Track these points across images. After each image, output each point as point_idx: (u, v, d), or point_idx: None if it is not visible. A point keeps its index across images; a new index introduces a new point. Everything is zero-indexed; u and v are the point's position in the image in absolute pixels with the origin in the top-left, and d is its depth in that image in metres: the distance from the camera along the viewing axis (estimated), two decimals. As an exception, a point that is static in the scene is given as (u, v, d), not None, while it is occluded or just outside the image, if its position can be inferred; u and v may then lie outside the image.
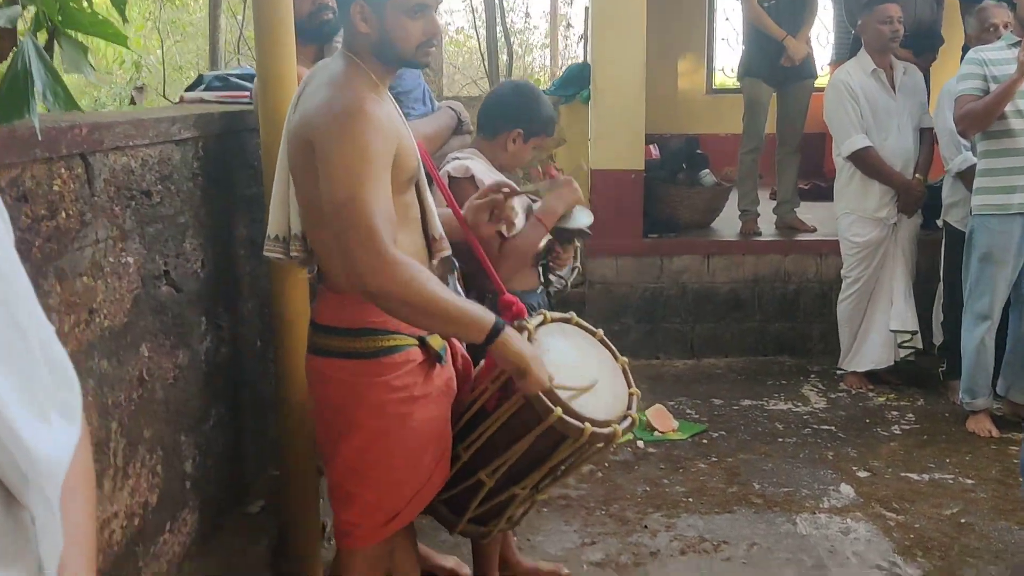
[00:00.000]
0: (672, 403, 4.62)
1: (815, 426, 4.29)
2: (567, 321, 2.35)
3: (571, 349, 2.26)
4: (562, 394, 2.09)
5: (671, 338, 5.39)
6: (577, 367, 2.22)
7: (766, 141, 5.59)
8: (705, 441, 4.14)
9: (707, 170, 5.61)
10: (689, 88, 8.41)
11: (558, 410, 2.06)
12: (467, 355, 2.28)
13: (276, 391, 2.61)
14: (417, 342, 2.04)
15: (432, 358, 2.06)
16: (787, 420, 4.38)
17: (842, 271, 4.77)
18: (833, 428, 4.26)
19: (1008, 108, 3.88)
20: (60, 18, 1.95)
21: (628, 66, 5.11)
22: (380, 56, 1.98)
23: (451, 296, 1.90)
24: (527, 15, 10.56)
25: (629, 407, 2.26)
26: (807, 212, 5.71)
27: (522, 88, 2.85)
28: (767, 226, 5.64)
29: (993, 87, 3.88)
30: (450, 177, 2.60)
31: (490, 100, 2.78)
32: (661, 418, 4.32)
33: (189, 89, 3.32)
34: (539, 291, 2.81)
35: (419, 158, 2.12)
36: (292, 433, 2.57)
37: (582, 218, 2.76)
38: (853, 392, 4.72)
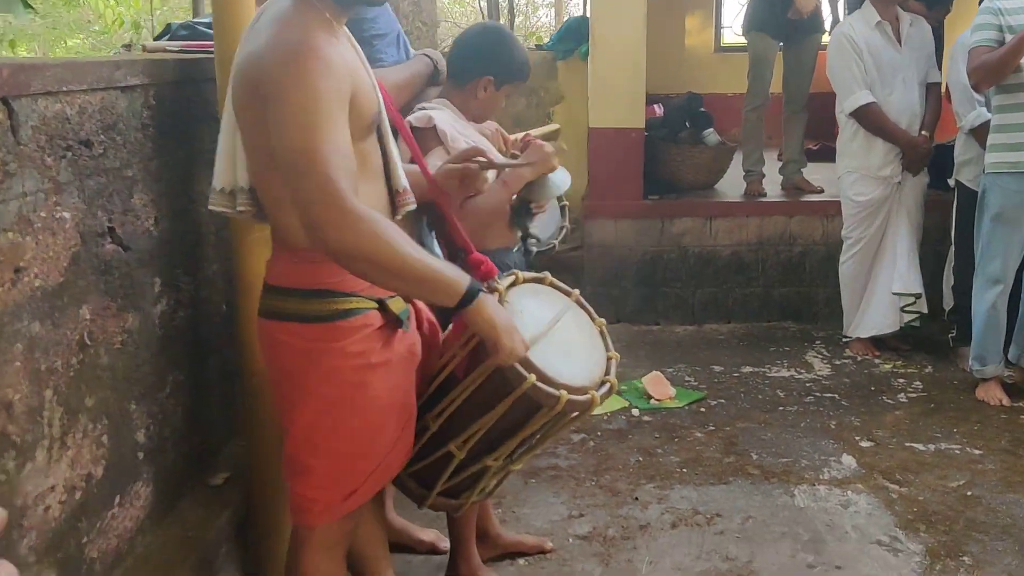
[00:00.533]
0: (671, 370, 4.47)
1: (818, 394, 4.13)
2: (540, 281, 2.19)
3: (545, 310, 2.10)
4: (534, 357, 1.94)
5: (672, 303, 5.22)
6: (552, 330, 2.06)
7: (772, 99, 5.39)
8: (703, 409, 3.99)
9: (711, 129, 5.42)
10: (696, 46, 8.18)
11: (532, 377, 1.92)
12: (434, 319, 2.13)
13: (239, 357, 2.47)
14: (376, 305, 1.89)
15: (392, 323, 1.91)
16: (789, 388, 4.22)
17: (843, 231, 4.59)
18: (836, 396, 4.10)
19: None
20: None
21: (628, 20, 4.91)
22: None
23: (421, 255, 1.74)
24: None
25: (607, 372, 2.11)
26: (815, 173, 5.50)
27: (491, 30, 2.67)
28: (773, 187, 5.45)
29: (1009, 38, 3.67)
30: (412, 127, 2.43)
31: (458, 44, 2.60)
32: (658, 385, 4.17)
33: (158, 39, 3.14)
34: (516, 249, 2.65)
35: (381, 104, 1.96)
36: (256, 401, 2.43)
37: (557, 183, 2.59)
38: (858, 359, 4.56)
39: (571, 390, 1.97)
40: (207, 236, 2.59)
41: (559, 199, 3.36)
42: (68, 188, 1.91)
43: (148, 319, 2.27)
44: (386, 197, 1.97)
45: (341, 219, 1.63)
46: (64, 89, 1.87)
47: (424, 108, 2.51)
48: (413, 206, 2.02)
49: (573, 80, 5.26)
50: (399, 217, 2.03)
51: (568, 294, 2.21)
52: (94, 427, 2.02)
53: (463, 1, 11.37)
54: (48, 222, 1.83)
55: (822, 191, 5.28)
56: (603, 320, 2.20)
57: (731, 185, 5.50)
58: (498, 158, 2.54)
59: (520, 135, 2.73)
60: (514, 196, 2.58)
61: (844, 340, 4.71)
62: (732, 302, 5.20)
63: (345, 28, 1.93)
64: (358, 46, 1.95)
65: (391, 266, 1.68)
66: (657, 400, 4.08)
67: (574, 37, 5.22)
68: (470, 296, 1.76)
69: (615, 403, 4.07)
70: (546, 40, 6.22)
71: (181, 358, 2.45)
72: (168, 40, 2.98)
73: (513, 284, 2.11)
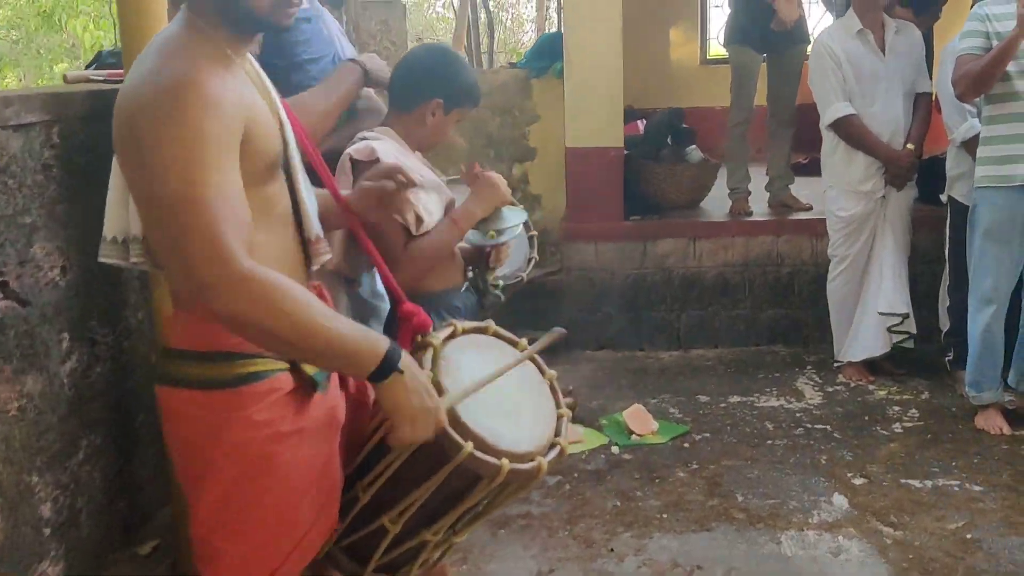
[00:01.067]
0: (655, 400, 4.25)
1: (808, 425, 3.91)
2: (483, 331, 1.97)
3: (487, 365, 1.88)
4: (472, 421, 1.73)
5: (656, 328, 5.01)
6: (494, 389, 1.84)
7: (757, 113, 5.19)
8: (687, 445, 3.77)
9: (693, 146, 5.22)
10: (682, 59, 7.99)
11: (468, 445, 1.69)
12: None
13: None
14: (286, 366, 1.67)
15: (306, 386, 1.69)
16: (778, 419, 4.00)
17: (828, 249, 4.38)
18: (828, 427, 3.88)
19: (1012, 68, 3.47)
20: None
21: (603, 34, 4.71)
22: (226, 16, 1.60)
23: (329, 320, 1.51)
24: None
25: (558, 432, 1.89)
26: (804, 188, 5.29)
27: (437, 51, 2.46)
28: (760, 204, 5.24)
29: (996, 45, 3.46)
30: (352, 160, 2.22)
31: (402, 68, 2.39)
32: (639, 419, 3.95)
33: (88, 67, 2.94)
34: (463, 288, 2.44)
35: (290, 141, 1.75)
36: (182, 464, 2.21)
37: (510, 219, 2.39)
38: (852, 385, 4.34)
39: (514, 457, 1.75)
40: (129, 282, 2.37)
41: (527, 227, 3.16)
42: (-62, 242, 1.70)
43: (54, 380, 2.06)
44: (297, 247, 1.75)
45: (229, 281, 1.42)
46: (-69, 132, 1.67)
47: (366, 138, 2.30)
48: (329, 255, 1.81)
49: (548, 99, 5.06)
50: (315, 268, 1.82)
51: (515, 344, 1.99)
52: (-19, 507, 1.80)
53: (445, 18, 11.19)
54: (-87, 282, 1.62)
55: (810, 208, 5.07)
56: (553, 373, 1.99)
57: (716, 204, 5.29)
58: (427, 178, 2.33)
59: (474, 168, 2.52)
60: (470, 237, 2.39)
61: (836, 365, 4.49)
62: (719, 326, 4.98)
63: (249, 57, 1.73)
64: (263, 76, 1.74)
65: (289, 335, 1.46)
66: (639, 436, 3.86)
67: (548, 54, 5.03)
68: (384, 371, 1.54)
69: (594, 440, 3.85)
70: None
71: (99, 419, 2.23)
72: (95, 68, 2.77)
73: (451, 336, 1.89)
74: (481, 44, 6.80)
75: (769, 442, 3.75)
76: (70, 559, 2.10)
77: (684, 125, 5.29)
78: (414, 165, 2.29)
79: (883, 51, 4.15)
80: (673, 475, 3.49)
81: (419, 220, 2.23)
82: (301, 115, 2.20)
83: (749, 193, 5.16)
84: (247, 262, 1.44)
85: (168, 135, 1.44)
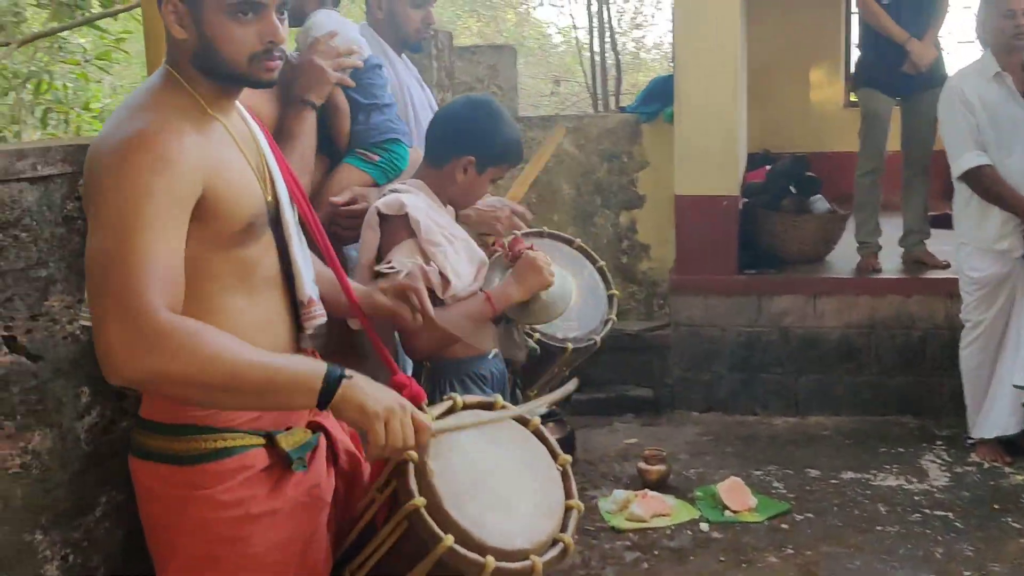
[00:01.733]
0: (759, 472, 3.92)
1: (927, 510, 3.49)
2: (489, 406, 1.78)
3: (486, 447, 1.70)
4: (455, 509, 1.55)
5: (770, 391, 4.65)
6: (489, 474, 1.66)
7: (890, 160, 4.78)
8: (785, 525, 3.43)
9: (819, 195, 4.85)
10: (823, 101, 7.55)
11: (448, 538, 1.52)
12: (353, 450, 1.76)
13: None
14: (262, 441, 1.55)
15: (282, 463, 1.56)
16: (894, 501, 3.59)
17: (961, 313, 3.94)
18: (950, 515, 3.44)
19: None
20: None
21: (717, 76, 4.47)
22: (205, 71, 1.52)
23: (258, 353, 1.40)
24: (636, 23, 9.81)
25: (564, 527, 1.67)
26: (941, 244, 4.82)
27: (476, 104, 2.31)
28: (892, 261, 4.80)
29: None
30: (380, 213, 2.10)
31: (437, 120, 2.26)
32: (735, 494, 3.63)
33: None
34: (491, 355, 2.26)
35: (279, 198, 1.65)
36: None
37: (552, 307, 2.22)
38: (985, 466, 3.86)
39: (502, 555, 1.56)
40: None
41: (607, 286, 2.96)
42: (-68, 297, 1.68)
43: (67, 436, 2.01)
44: (285, 311, 1.64)
45: (141, 337, 1.33)
46: (-74, 187, 1.66)
47: (396, 191, 2.18)
48: (321, 320, 1.69)
49: (659, 144, 4.85)
50: (309, 332, 1.70)
51: (525, 423, 1.80)
52: (-33, 567, 1.76)
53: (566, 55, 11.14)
54: None
55: (947, 266, 4.59)
56: (568, 457, 1.78)
57: (844, 258, 4.90)
58: (458, 236, 2.17)
59: (510, 238, 2.35)
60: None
61: (969, 442, 4.01)
62: (841, 392, 4.57)
63: (240, 113, 1.64)
64: (256, 134, 1.65)
65: (222, 379, 1.35)
66: (733, 512, 3.54)
67: (659, 98, 4.82)
68: (329, 389, 1.40)
69: (683, 513, 3.57)
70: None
71: (121, 475, 2.18)
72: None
73: (449, 411, 1.72)
74: (608, 85, 6.63)
75: (879, 528, 3.36)
76: (79, 620, 2.04)
77: (809, 173, 4.93)
78: (444, 221, 2.15)
79: (1023, 96, 3.72)
80: (764, 559, 3.17)
81: (446, 282, 2.08)
82: (332, 185, 2.12)
83: (879, 248, 4.75)
84: (164, 315, 1.34)
85: (112, 191, 1.39)
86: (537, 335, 2.65)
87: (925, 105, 4.58)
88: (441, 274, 2.08)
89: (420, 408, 1.67)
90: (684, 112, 4.55)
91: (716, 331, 4.67)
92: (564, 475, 1.74)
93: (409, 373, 2.35)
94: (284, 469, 1.58)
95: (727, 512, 3.54)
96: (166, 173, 1.39)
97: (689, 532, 3.41)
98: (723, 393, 4.68)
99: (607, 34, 6.86)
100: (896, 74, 4.50)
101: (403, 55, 2.83)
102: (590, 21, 6.96)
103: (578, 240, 2.94)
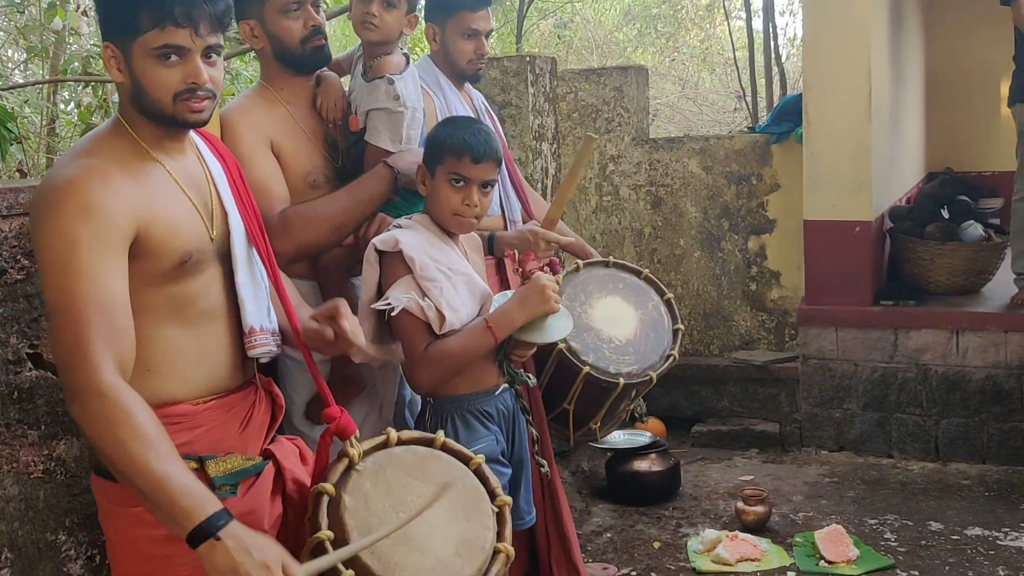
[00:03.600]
0: (873, 522, 3.62)
1: (1055, 581, 3.09)
2: (428, 443, 1.75)
3: (409, 483, 1.65)
4: (373, 558, 1.54)
5: (908, 433, 4.28)
6: (409, 511, 1.62)
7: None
8: (884, 582, 3.15)
9: (971, 221, 4.43)
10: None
11: (348, 573, 1.51)
12: (304, 478, 1.79)
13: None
14: (194, 465, 1.62)
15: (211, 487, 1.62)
16: (1018, 566, 3.20)
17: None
18: (1081, 588, 3.03)
19: None
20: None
21: (848, 94, 4.20)
22: (142, 112, 1.63)
23: (161, 460, 1.43)
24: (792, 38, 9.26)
25: (487, 572, 1.61)
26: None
27: (443, 122, 2.28)
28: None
29: None
30: (377, 250, 2.12)
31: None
32: (834, 543, 3.37)
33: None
34: (498, 391, 2.21)
35: (231, 231, 1.71)
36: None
37: (553, 331, 2.14)
38: None
39: None
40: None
41: (673, 320, 2.85)
42: (-45, 318, 1.88)
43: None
44: (229, 341, 1.71)
45: (85, 392, 1.44)
46: (-48, 219, 1.86)
47: (394, 228, 2.19)
48: (266, 348, 1.74)
49: (791, 166, 4.57)
50: (261, 360, 1.75)
51: (467, 461, 1.75)
52: (-14, 561, 1.94)
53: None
54: (-85, 353, 1.81)
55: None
56: (507, 499, 1.71)
57: (1002, 291, 4.43)
58: (456, 269, 2.14)
59: (531, 266, 2.30)
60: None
61: None
62: (987, 438, 4.14)
63: (193, 152, 1.73)
64: (210, 170, 1.73)
65: (118, 464, 1.44)
66: (828, 563, 3.29)
67: (791, 118, 4.56)
68: (198, 536, 1.42)
69: (775, 559, 3.36)
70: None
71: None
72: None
73: (383, 445, 1.71)
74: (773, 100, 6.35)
75: (991, 596, 3.02)
76: (104, 616, 2.20)
77: (962, 196, 4.51)
78: (443, 257, 2.13)
79: None
80: (846, 619, 2.92)
81: (441, 318, 2.07)
82: (307, 222, 2.17)
83: (1039, 280, 4.27)
84: (107, 377, 1.44)
85: (45, 240, 1.51)
86: (588, 368, 2.59)
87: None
88: (437, 309, 2.07)
89: (349, 442, 1.67)
90: (813, 133, 4.30)
91: (848, 366, 4.35)
92: (499, 517, 1.69)
93: (418, 408, 2.37)
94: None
95: (822, 563, 3.29)
96: (92, 221, 1.48)
97: (776, 579, 3.20)
98: (855, 432, 4.36)
99: (772, 49, 6.58)
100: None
101: (465, 85, 2.86)
102: (749, 36, 6.70)
103: (646, 271, 2.84)
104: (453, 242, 2.19)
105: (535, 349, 2.26)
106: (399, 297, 2.06)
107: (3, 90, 3.33)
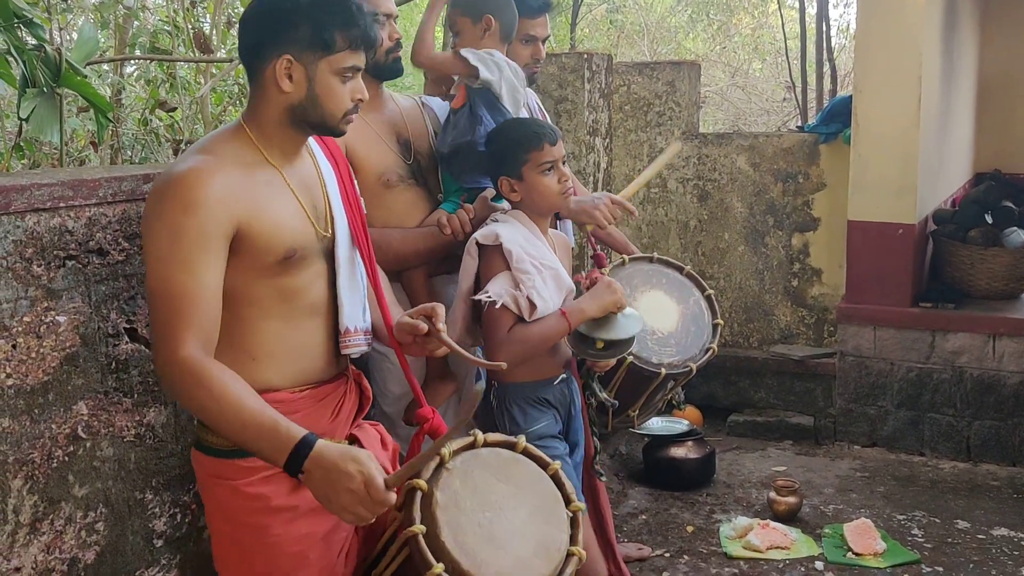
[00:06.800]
0: (902, 517, 3.75)
1: (1076, 583, 3.20)
2: (512, 447, 1.84)
3: (495, 484, 1.76)
4: (451, 539, 1.66)
5: (940, 433, 4.38)
6: (494, 510, 1.73)
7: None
8: (907, 576, 3.28)
9: (1015, 228, 4.49)
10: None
11: (439, 567, 1.63)
12: (387, 464, 1.91)
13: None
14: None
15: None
16: (1040, 567, 3.32)
17: None
18: (1100, 592, 3.14)
19: None
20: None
21: (897, 97, 4.27)
22: (297, 122, 1.76)
23: (250, 406, 1.61)
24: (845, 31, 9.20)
25: (561, 572, 1.72)
26: None
27: (498, 129, 2.43)
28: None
29: None
30: (478, 244, 2.28)
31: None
32: (862, 536, 3.51)
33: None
34: (557, 381, 2.37)
35: (336, 233, 1.86)
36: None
37: (623, 328, 2.30)
38: None
39: None
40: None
41: (713, 315, 2.99)
42: (66, 294, 2.07)
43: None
44: (327, 338, 1.87)
45: (168, 364, 1.62)
46: (63, 205, 2.04)
47: (495, 221, 2.36)
48: (358, 349, 1.89)
49: (838, 166, 4.66)
50: (350, 354, 1.91)
51: (545, 467, 1.86)
52: (84, 515, 2.15)
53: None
54: (32, 326, 2.00)
55: None
56: (581, 504, 1.82)
57: (1043, 296, 4.51)
58: (547, 263, 2.29)
59: (594, 274, 2.44)
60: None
61: None
62: (1019, 441, 4.23)
63: (308, 157, 1.87)
64: (323, 175, 1.88)
65: (205, 422, 1.67)
66: (855, 554, 3.43)
67: (841, 119, 4.63)
68: (299, 456, 1.58)
69: (803, 548, 3.50)
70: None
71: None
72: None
73: (469, 447, 1.80)
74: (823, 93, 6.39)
75: (1012, 594, 3.14)
76: (183, 568, 2.41)
77: (1007, 202, 4.56)
78: (537, 252, 2.29)
79: None
80: (870, 608, 3.06)
81: (532, 307, 2.24)
82: (376, 248, 2.31)
83: (1081, 288, 4.33)
84: (187, 351, 1.60)
85: (153, 228, 1.67)
86: (630, 358, 2.74)
87: None
88: (528, 299, 2.24)
89: (440, 441, 1.79)
90: (861, 135, 4.38)
91: (885, 364, 4.46)
92: (573, 521, 1.79)
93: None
94: None
95: (849, 554, 3.43)
96: (195, 215, 1.63)
97: (802, 568, 3.34)
98: (888, 429, 4.47)
99: (824, 43, 6.60)
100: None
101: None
102: (802, 27, 6.70)
103: (688, 267, 2.98)
104: (544, 237, 2.36)
105: (613, 362, 2.41)
106: (499, 292, 2.22)
107: (91, 64, 3.50)
